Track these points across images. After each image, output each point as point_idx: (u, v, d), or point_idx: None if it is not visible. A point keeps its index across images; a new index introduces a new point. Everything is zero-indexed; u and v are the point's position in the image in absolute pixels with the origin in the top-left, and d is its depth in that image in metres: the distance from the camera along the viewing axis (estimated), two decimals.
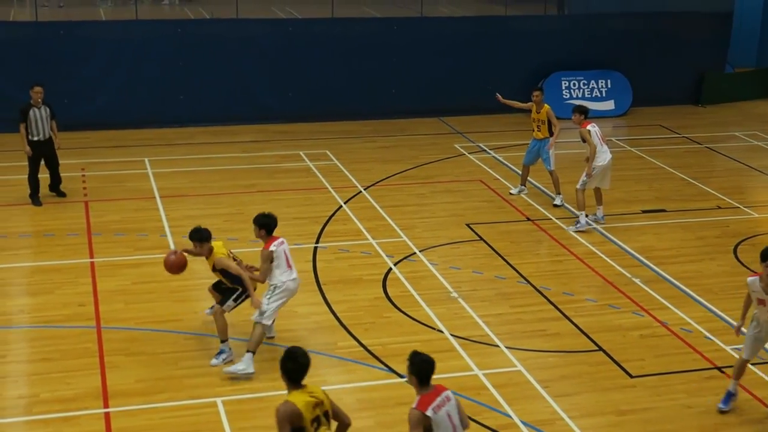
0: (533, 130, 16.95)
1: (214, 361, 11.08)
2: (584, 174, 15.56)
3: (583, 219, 15.65)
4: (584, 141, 15.61)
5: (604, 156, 15.62)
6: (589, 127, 15.59)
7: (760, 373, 11.23)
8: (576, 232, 15.56)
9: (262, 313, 10.89)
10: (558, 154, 17.16)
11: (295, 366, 7.38)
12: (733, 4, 25.41)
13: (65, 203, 16.45)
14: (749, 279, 10.19)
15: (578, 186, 15.64)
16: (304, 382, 7.47)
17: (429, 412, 7.47)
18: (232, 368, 10.81)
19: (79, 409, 10.14)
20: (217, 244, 11.24)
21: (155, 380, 10.78)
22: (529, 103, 16.95)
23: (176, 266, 11.40)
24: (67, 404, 10.22)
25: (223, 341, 11.18)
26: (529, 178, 17.50)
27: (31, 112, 16.10)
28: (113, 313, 12.37)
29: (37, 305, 12.63)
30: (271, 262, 10.93)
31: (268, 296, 10.97)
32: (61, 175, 16.89)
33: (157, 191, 17.14)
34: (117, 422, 9.92)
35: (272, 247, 10.93)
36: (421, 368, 7.71)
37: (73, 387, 10.58)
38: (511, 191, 17.41)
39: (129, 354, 11.35)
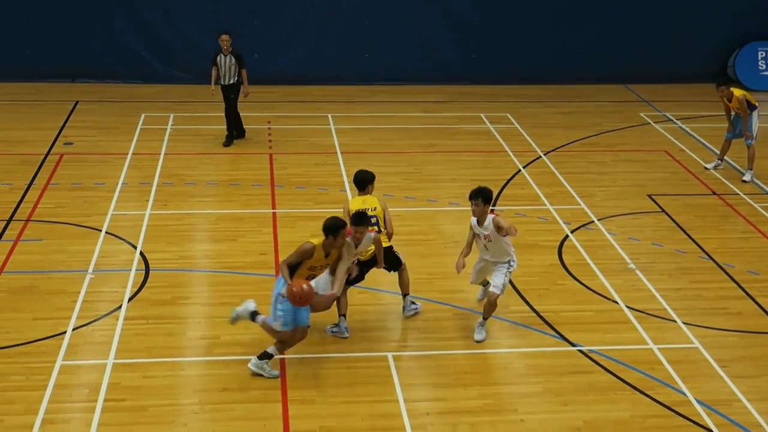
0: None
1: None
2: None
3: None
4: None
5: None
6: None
7: None
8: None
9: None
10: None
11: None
12: None
13: (250, 155, 16.97)
14: None
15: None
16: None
17: None
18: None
19: (257, 354, 10.48)
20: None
21: None
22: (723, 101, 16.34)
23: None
24: (246, 348, 10.58)
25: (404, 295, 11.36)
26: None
27: (218, 58, 16.94)
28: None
29: (221, 251, 13.12)
30: None
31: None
32: (248, 127, 17.46)
33: (338, 147, 17.46)
34: (292, 368, 10.21)
35: None
36: None
37: (251, 332, 10.92)
38: (706, 166, 16.73)
39: None
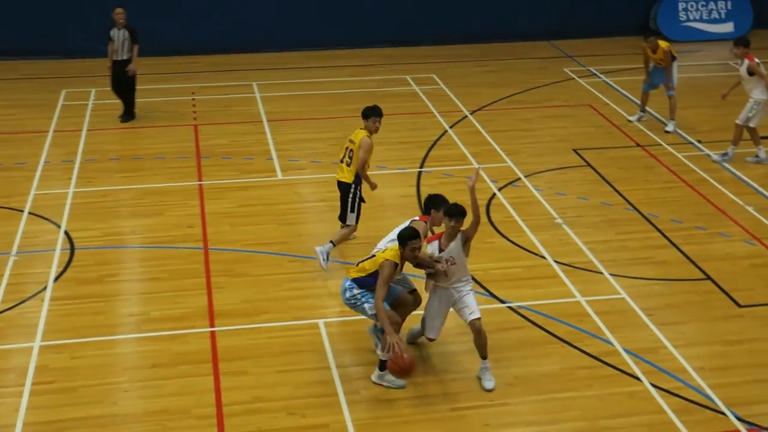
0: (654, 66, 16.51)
1: None
2: (750, 109, 14.80)
3: (731, 151, 15.10)
4: (750, 74, 14.72)
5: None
6: (756, 60, 14.82)
7: None
8: (757, 162, 15.08)
9: None
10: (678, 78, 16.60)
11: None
12: None
13: (175, 127, 16.74)
14: None
15: (740, 121, 14.86)
16: None
17: None
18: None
19: (187, 328, 10.43)
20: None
21: (259, 301, 11.00)
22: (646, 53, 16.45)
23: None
24: (175, 323, 10.52)
25: None
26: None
27: (112, 32, 16.56)
28: (220, 235, 12.62)
29: (148, 226, 12.97)
30: None
31: None
32: (172, 99, 17.20)
33: (264, 115, 17.31)
34: (222, 341, 10.17)
35: None
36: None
37: (181, 306, 10.87)
38: (630, 119, 16.91)
39: (234, 275, 11.59)
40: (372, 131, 11.78)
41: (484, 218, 12.95)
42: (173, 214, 13.28)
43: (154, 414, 8.99)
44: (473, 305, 9.35)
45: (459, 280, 9.40)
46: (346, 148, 11.82)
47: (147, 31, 20.24)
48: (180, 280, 11.48)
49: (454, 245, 9.25)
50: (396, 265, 9.08)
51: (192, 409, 9.06)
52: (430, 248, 9.37)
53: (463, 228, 9.33)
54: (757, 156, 15.07)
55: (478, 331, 9.33)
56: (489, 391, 9.34)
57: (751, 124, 14.87)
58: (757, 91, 14.69)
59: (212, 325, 10.48)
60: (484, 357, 9.42)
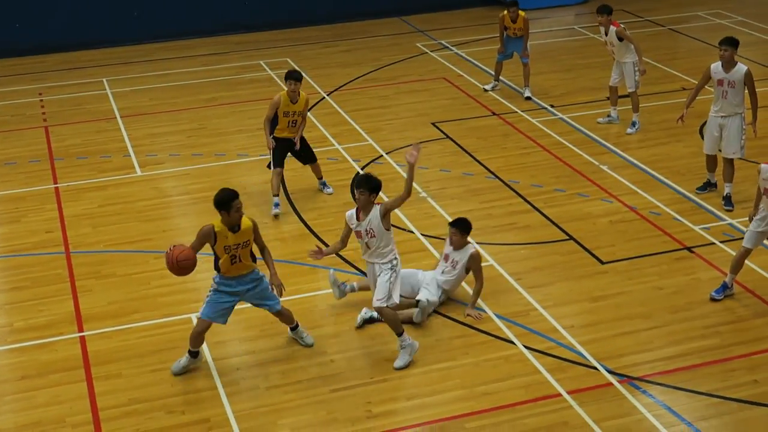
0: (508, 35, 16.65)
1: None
2: (636, 73, 15.05)
3: (615, 113, 15.49)
4: (621, 39, 14.94)
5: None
6: (621, 25, 15.16)
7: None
8: (609, 123, 15.49)
9: None
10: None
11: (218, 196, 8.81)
12: None
13: (24, 130, 16.16)
14: (763, 165, 10.05)
15: (633, 89, 15.12)
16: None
17: None
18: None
19: (54, 335, 10.12)
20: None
21: (128, 301, 10.76)
22: (502, 15, 16.56)
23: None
24: (41, 331, 10.20)
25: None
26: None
27: None
28: (81, 238, 12.28)
29: (4, 235, 12.51)
30: None
31: None
32: (17, 102, 16.58)
33: (117, 111, 16.87)
34: (93, 345, 9.92)
35: None
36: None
37: (46, 314, 10.54)
38: (485, 87, 17.17)
39: (100, 277, 11.30)
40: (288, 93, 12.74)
41: (348, 198, 12.97)
42: (30, 220, 12.84)
43: (26, 427, 8.71)
44: (381, 291, 9.35)
45: (379, 256, 9.44)
46: None
47: None
48: (43, 287, 11.12)
49: (373, 216, 9.29)
50: (211, 228, 8.94)
51: (66, 417, 8.81)
52: (348, 216, 9.54)
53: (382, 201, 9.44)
54: (609, 116, 15.53)
55: (380, 314, 9.47)
56: (398, 368, 9.39)
57: (614, 84, 15.29)
58: (629, 55, 15.06)
59: (81, 330, 10.20)
60: (399, 333, 9.40)
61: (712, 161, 12.94)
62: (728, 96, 12.44)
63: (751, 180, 11.27)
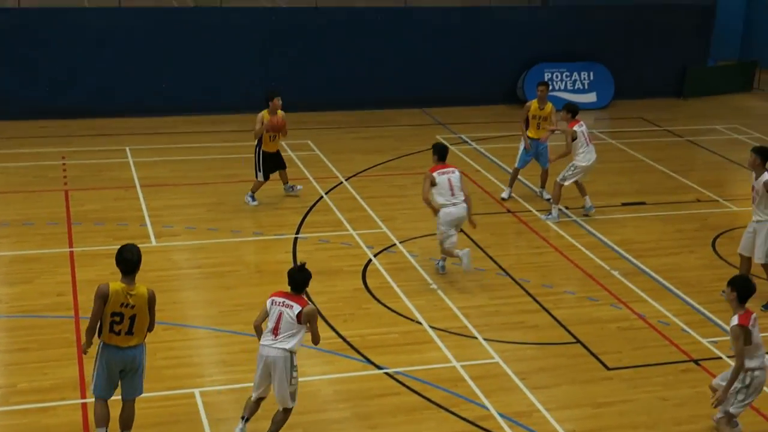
0: (531, 129, 16.46)
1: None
2: (568, 169, 15.64)
3: (555, 212, 15.78)
4: (573, 139, 15.52)
5: (589, 156, 15.62)
6: (576, 127, 15.53)
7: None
8: (554, 223, 15.64)
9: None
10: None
11: (119, 258, 8.85)
12: None
13: (44, 192, 16.37)
14: None
15: (558, 179, 15.69)
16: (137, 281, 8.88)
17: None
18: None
19: (57, 400, 10.13)
20: None
21: None
22: (529, 103, 16.70)
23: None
24: (44, 394, 10.21)
25: None
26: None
27: None
28: (92, 303, 12.29)
29: (16, 295, 12.59)
30: (433, 186, 13.13)
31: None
32: (41, 163, 16.82)
33: (137, 180, 17.09)
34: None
35: (435, 173, 13.20)
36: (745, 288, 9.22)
37: (50, 377, 10.56)
38: (503, 196, 17.05)
39: None
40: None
41: (360, 284, 13.06)
42: (42, 282, 12.94)
43: None
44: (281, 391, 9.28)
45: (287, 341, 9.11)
46: None
47: (11, 92, 20.03)
48: (50, 350, 11.16)
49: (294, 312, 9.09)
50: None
51: None
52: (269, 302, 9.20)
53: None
54: (550, 213, 15.89)
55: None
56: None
57: (565, 183, 15.78)
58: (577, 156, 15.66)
59: (83, 397, 10.21)
60: None
61: (745, 262, 13.08)
62: (756, 201, 12.67)
63: None
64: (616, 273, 13.91)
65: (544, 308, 12.76)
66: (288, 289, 9.27)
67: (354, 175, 17.87)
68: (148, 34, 21.35)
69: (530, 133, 16.49)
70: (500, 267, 13.99)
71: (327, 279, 13.35)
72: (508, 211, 16.28)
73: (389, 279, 13.40)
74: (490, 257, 14.31)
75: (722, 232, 15.54)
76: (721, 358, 11.62)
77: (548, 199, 16.64)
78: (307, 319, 9.05)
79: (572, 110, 15.67)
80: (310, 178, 17.55)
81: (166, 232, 14.81)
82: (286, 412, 9.27)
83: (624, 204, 16.80)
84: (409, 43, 22.80)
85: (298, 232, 15.00)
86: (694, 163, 19.81)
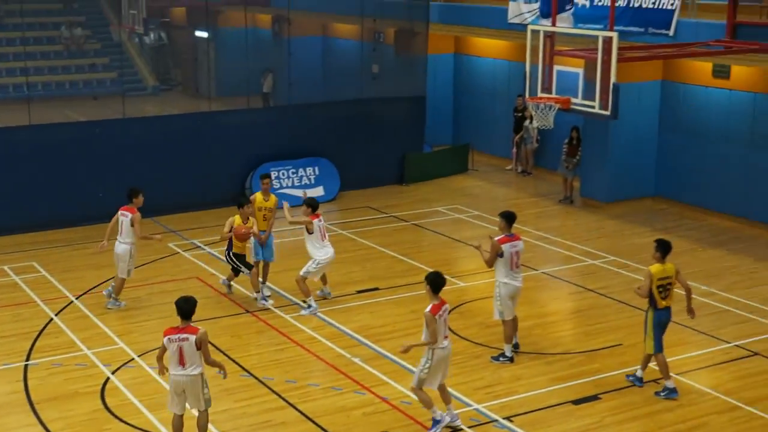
0: (258, 221, 16.70)
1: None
2: (310, 264, 15.97)
3: (313, 302, 16.11)
4: (309, 232, 16.03)
5: (326, 251, 16.06)
6: (315, 221, 15.98)
7: None
8: (312, 314, 16.01)
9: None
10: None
11: None
12: (425, 88, 26.94)
13: None
14: None
15: (301, 273, 15.91)
16: None
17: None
18: None
19: None
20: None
21: None
22: (253, 196, 17.24)
23: None
24: None
25: None
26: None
27: None
28: None
29: None
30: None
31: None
32: None
33: None
34: None
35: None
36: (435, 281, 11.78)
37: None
38: (262, 302, 16.97)
39: None
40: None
41: (99, 405, 12.58)
42: None
43: None
44: None
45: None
46: None
47: None
48: None
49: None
50: None
51: None
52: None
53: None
54: (309, 306, 16.23)
55: None
56: None
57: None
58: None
59: None
60: None
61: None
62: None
63: None
64: (357, 360, 14.18)
65: (290, 404, 12.79)
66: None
67: (85, 293, 17.28)
68: None
69: (259, 225, 16.77)
70: (243, 368, 13.91)
71: (62, 404, 12.77)
72: (247, 311, 16.27)
73: (130, 395, 13.00)
74: (233, 360, 14.21)
75: (453, 307, 16.22)
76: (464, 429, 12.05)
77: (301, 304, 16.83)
78: (201, 342, 10.85)
79: (311, 205, 16.09)
80: (38, 301, 16.81)
81: None
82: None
83: (359, 291, 17.23)
84: (132, 154, 22.36)
85: (28, 359, 14.28)
86: (421, 245, 20.65)
